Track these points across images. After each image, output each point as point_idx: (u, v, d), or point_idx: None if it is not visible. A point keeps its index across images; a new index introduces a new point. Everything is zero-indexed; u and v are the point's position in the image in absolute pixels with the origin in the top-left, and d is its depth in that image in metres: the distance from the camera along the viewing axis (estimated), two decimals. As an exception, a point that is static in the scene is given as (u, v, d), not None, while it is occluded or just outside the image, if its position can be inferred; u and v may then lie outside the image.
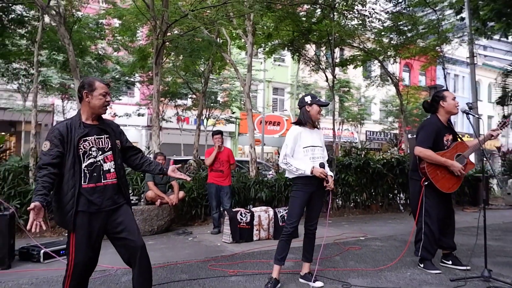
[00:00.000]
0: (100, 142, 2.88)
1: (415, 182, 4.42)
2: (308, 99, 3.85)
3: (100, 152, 2.86)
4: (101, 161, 2.86)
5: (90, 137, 2.84)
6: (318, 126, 3.99)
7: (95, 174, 2.82)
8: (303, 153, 3.74)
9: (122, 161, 3.06)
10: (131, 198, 3.35)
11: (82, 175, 2.77)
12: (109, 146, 2.92)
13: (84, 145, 2.80)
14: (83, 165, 2.78)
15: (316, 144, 3.84)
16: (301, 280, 3.90)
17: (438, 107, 4.34)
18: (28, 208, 2.50)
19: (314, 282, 3.76)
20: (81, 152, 2.79)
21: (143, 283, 2.96)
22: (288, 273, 4.20)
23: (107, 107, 2.93)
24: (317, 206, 3.90)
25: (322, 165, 3.70)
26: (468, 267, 4.26)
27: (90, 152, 2.82)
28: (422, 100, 19.14)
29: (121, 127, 3.19)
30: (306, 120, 3.83)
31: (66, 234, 6.59)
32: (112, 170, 2.90)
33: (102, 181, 2.84)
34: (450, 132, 4.35)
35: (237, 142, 24.46)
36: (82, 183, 2.76)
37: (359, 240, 6.18)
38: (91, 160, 2.82)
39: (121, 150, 3.06)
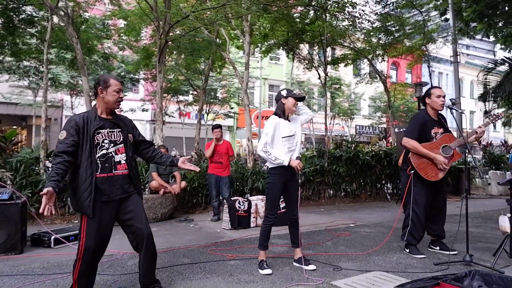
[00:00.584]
0: (113, 135, 2.91)
1: (404, 172, 4.42)
2: (284, 92, 3.83)
3: (112, 145, 2.89)
4: (112, 153, 2.88)
5: (103, 130, 2.86)
6: (289, 119, 3.91)
7: (106, 164, 2.85)
8: (281, 143, 3.72)
9: (133, 154, 3.07)
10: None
11: (95, 165, 2.80)
12: (121, 139, 2.94)
13: (98, 137, 2.83)
14: (96, 156, 2.81)
15: (293, 133, 3.80)
16: (295, 264, 3.90)
17: (425, 103, 4.34)
18: (41, 193, 2.51)
19: (307, 265, 3.78)
20: (94, 144, 2.81)
21: (148, 268, 3.01)
22: (283, 258, 4.22)
23: (120, 102, 2.96)
24: (294, 195, 3.86)
25: (298, 159, 3.74)
26: (455, 252, 4.27)
27: (103, 144, 2.85)
28: (409, 96, 19.17)
29: (133, 122, 3.19)
30: (281, 112, 3.80)
31: (76, 221, 6.62)
32: (123, 161, 2.93)
33: (113, 172, 2.88)
34: (440, 125, 4.31)
35: (235, 136, 24.43)
36: (96, 173, 2.80)
37: (349, 227, 6.20)
38: (103, 152, 2.85)
39: (133, 144, 3.07)
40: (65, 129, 2.78)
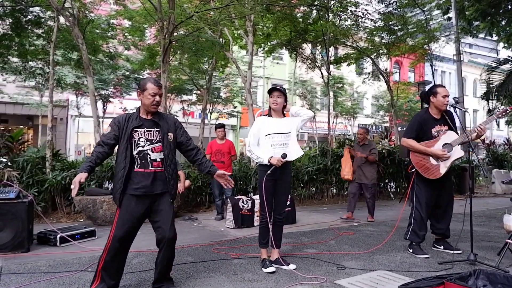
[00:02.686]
0: (150, 134, 3.04)
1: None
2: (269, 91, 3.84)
3: (148, 143, 3.01)
4: (148, 150, 3.01)
5: (140, 129, 3.02)
6: (286, 114, 3.89)
7: (144, 161, 3.00)
8: (264, 140, 3.73)
9: (172, 153, 3.11)
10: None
11: (135, 160, 2.98)
12: (158, 138, 3.04)
13: (134, 135, 3.00)
14: (134, 152, 2.98)
15: (279, 131, 3.73)
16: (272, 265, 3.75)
17: (429, 101, 4.28)
18: (74, 179, 2.71)
19: (288, 265, 3.72)
20: (132, 141, 2.99)
21: (162, 267, 3.07)
22: (287, 256, 4.19)
23: (157, 105, 3.06)
24: (282, 196, 3.82)
25: (284, 156, 3.63)
26: (460, 251, 4.23)
27: (139, 142, 3.00)
28: (412, 95, 18.92)
29: (180, 122, 3.27)
30: (269, 110, 3.86)
31: (81, 220, 6.64)
32: (158, 159, 3.04)
33: (149, 168, 2.99)
34: (444, 123, 4.22)
35: (238, 135, 24.43)
36: (135, 168, 2.97)
37: (352, 226, 6.17)
38: (140, 149, 3.00)
39: (176, 143, 3.16)
40: (110, 125, 3.05)
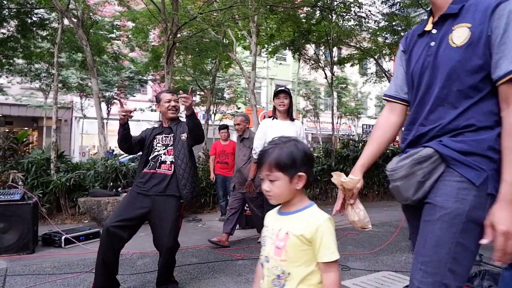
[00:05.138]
0: (166, 139, 3.21)
1: None
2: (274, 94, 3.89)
3: (164, 147, 3.17)
4: (161, 153, 3.15)
5: (159, 136, 3.23)
6: (294, 118, 3.99)
7: (152, 163, 3.14)
8: None
9: (182, 153, 3.13)
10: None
11: (146, 163, 3.16)
12: (172, 142, 3.18)
13: (153, 141, 3.21)
14: (150, 156, 3.16)
15: (286, 134, 3.77)
16: None
17: None
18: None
19: None
20: (152, 147, 3.19)
21: (161, 272, 3.09)
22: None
23: (173, 110, 3.23)
24: None
25: None
26: None
27: (156, 147, 3.18)
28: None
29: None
30: (273, 112, 3.95)
31: (86, 221, 6.64)
32: (168, 162, 3.12)
33: (156, 169, 3.10)
34: None
35: (242, 136, 24.40)
36: (145, 169, 3.13)
37: (356, 226, 6.14)
38: (155, 153, 3.16)
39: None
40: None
